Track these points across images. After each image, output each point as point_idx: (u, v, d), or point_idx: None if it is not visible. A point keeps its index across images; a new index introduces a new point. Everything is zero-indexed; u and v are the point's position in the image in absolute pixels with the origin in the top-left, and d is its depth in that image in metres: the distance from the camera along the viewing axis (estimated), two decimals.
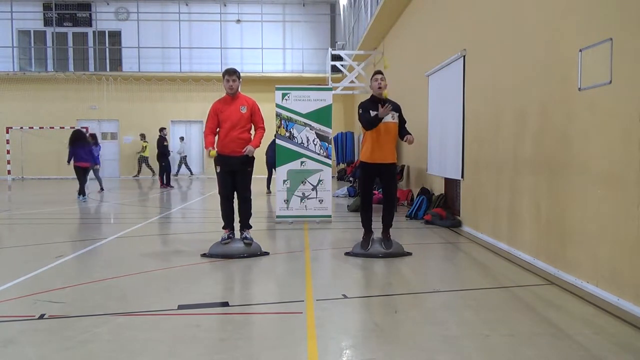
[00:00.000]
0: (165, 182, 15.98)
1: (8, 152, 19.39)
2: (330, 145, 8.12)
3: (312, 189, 8.07)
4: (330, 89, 8.43)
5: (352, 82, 15.94)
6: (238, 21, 22.37)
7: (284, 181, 8.05)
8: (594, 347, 2.98)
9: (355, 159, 17.58)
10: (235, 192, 5.66)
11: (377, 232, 5.66)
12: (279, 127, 8.08)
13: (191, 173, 21.34)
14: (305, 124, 8.03)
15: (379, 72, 5.54)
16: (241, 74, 5.71)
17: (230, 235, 5.60)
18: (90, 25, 22.02)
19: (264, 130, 5.68)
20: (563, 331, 3.23)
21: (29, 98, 20.84)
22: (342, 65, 16.57)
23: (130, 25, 21.90)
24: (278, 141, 8.11)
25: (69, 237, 7.26)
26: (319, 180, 8.08)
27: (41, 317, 3.49)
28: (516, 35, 5.58)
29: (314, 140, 8.05)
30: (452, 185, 8.22)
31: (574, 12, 4.39)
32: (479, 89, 6.80)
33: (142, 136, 20.42)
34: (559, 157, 4.57)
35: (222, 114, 5.47)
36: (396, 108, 5.52)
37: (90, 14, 21.99)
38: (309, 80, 19.96)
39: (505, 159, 5.84)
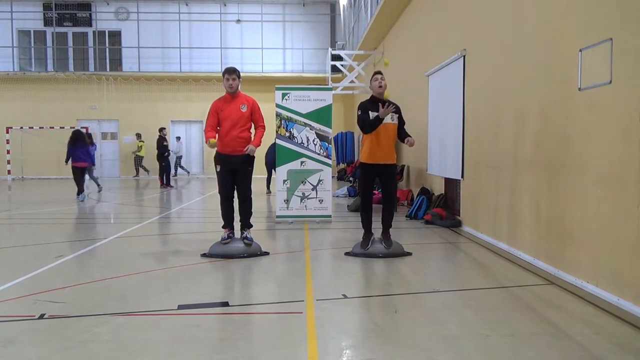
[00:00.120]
0: (165, 182, 15.99)
1: (8, 152, 19.39)
2: (330, 145, 8.12)
3: (312, 189, 8.07)
4: (330, 89, 8.43)
5: (352, 82, 15.94)
6: (238, 21, 22.37)
7: (284, 181, 8.05)
8: (594, 347, 2.98)
9: (355, 159, 17.58)
10: (235, 192, 5.66)
11: (377, 232, 5.66)
12: (279, 127, 8.08)
13: (188, 173, 21.36)
14: (305, 124, 8.03)
15: (379, 72, 5.55)
16: (241, 74, 5.71)
17: (230, 235, 5.60)
18: (90, 25, 22.02)
19: (265, 128, 5.68)
20: (563, 331, 3.23)
21: (29, 98, 20.85)
22: (342, 65, 16.57)
23: (130, 25, 21.90)
24: (278, 141, 8.11)
25: (69, 237, 7.26)
26: (319, 180, 8.08)
27: (41, 317, 3.49)
28: (516, 35, 5.58)
29: (314, 140, 8.05)
30: (452, 185, 8.22)
31: (574, 12, 4.39)
32: (479, 89, 6.80)
33: (138, 136, 20.52)
34: (559, 157, 4.57)
35: (222, 113, 5.47)
36: (396, 109, 5.52)
37: (90, 14, 21.99)
38: (309, 80, 19.96)
39: (505, 158, 5.84)
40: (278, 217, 8.09)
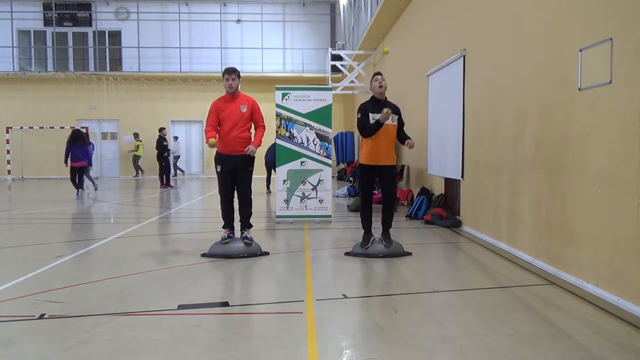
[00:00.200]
0: (165, 182, 16.00)
1: (8, 152, 19.38)
2: (330, 145, 8.12)
3: (312, 189, 8.07)
4: (330, 89, 8.43)
5: (352, 82, 15.92)
6: (238, 21, 22.37)
7: (284, 181, 8.05)
8: (594, 347, 2.98)
9: (355, 159, 17.58)
10: (235, 192, 5.66)
11: (377, 232, 5.66)
12: (279, 127, 8.08)
13: (183, 173, 21.37)
14: (305, 124, 8.03)
15: (379, 73, 5.55)
16: (241, 74, 5.71)
17: (230, 235, 5.60)
18: (90, 25, 22.02)
19: (265, 128, 5.69)
20: (563, 331, 3.23)
21: (29, 98, 20.85)
22: (342, 65, 16.56)
23: (130, 25, 21.90)
24: (278, 141, 8.11)
25: (69, 237, 7.26)
26: (319, 180, 8.08)
27: (41, 317, 3.49)
28: (516, 35, 5.58)
29: (314, 140, 8.05)
30: (452, 185, 8.22)
31: (574, 12, 4.39)
32: (479, 89, 6.80)
33: (136, 135, 20.55)
34: (559, 157, 4.57)
35: (222, 113, 5.47)
36: (396, 110, 5.52)
37: (90, 14, 21.99)
38: (309, 80, 19.96)
39: (505, 158, 5.84)
40: (278, 217, 8.09)
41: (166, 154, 15.85)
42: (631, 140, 3.56)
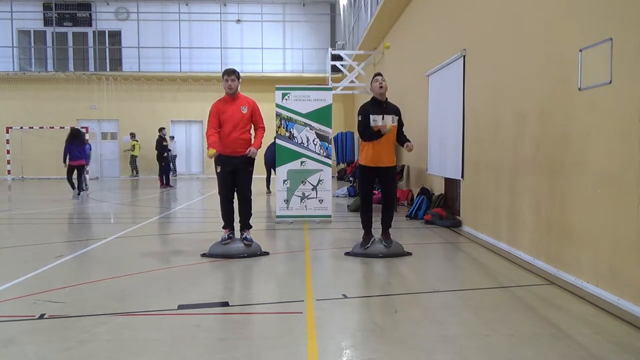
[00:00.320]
0: (164, 182, 16.00)
1: (8, 152, 19.38)
2: (330, 145, 8.12)
3: (312, 189, 8.07)
4: (330, 89, 8.43)
5: (352, 82, 15.94)
6: (238, 21, 22.37)
7: (284, 181, 8.05)
8: (594, 347, 2.98)
9: (355, 159, 17.58)
10: (235, 192, 5.66)
11: (377, 233, 5.66)
12: (279, 127, 8.08)
13: (175, 173, 21.40)
14: (305, 124, 8.03)
15: (379, 74, 5.55)
16: (241, 74, 5.71)
17: (230, 235, 5.60)
18: (90, 25, 22.02)
19: (264, 129, 5.69)
20: (563, 331, 3.23)
21: (29, 98, 20.85)
22: (342, 65, 16.57)
23: (130, 25, 21.90)
24: (278, 141, 8.11)
25: (69, 237, 7.27)
26: (319, 180, 8.08)
27: (41, 317, 3.49)
28: (516, 35, 5.58)
29: (314, 140, 8.05)
30: (452, 185, 8.22)
31: (574, 12, 4.39)
32: (479, 89, 6.81)
33: (132, 135, 20.57)
34: (559, 157, 4.57)
35: (223, 115, 5.46)
36: (396, 111, 5.51)
37: (90, 14, 21.99)
38: (309, 80, 19.96)
39: (505, 158, 5.84)
40: (278, 217, 8.09)
41: (166, 154, 15.85)
42: (631, 140, 3.56)
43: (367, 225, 5.64)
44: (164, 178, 15.98)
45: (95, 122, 21.32)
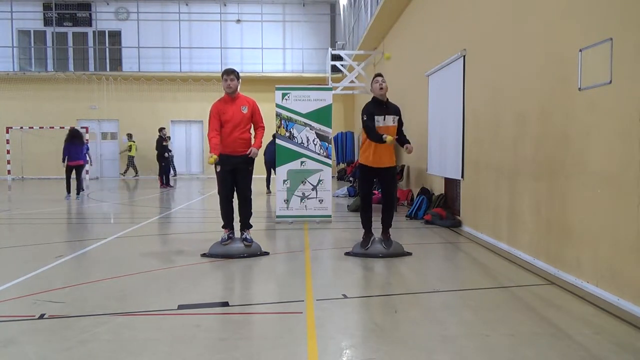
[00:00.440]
0: (164, 182, 16.01)
1: (8, 152, 19.37)
2: (330, 145, 8.12)
3: (312, 189, 8.07)
4: (330, 89, 8.43)
5: (352, 82, 15.93)
6: (238, 21, 22.36)
7: (284, 181, 8.05)
8: (594, 347, 2.98)
9: (355, 159, 17.58)
10: (235, 192, 5.66)
11: (377, 232, 5.66)
12: (279, 127, 8.08)
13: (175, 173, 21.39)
14: (305, 124, 8.03)
15: (380, 75, 5.53)
16: (241, 74, 5.71)
17: (230, 235, 5.60)
18: (90, 25, 22.01)
19: (264, 129, 5.70)
20: (563, 331, 3.23)
21: (29, 98, 20.84)
22: (342, 65, 16.56)
23: (130, 25, 21.90)
24: (278, 141, 8.11)
25: (69, 237, 7.27)
26: (319, 180, 8.08)
27: (41, 317, 3.49)
28: (516, 35, 5.58)
29: (314, 140, 8.05)
30: (452, 185, 8.22)
31: (574, 12, 4.39)
32: (479, 89, 6.81)
33: (129, 136, 20.61)
34: (559, 157, 4.57)
35: (224, 115, 5.46)
36: (396, 111, 5.51)
37: (90, 14, 21.98)
38: (309, 80, 19.95)
39: (505, 158, 5.84)
40: (278, 217, 8.09)
41: (167, 154, 15.85)
42: (631, 140, 3.56)
43: (366, 224, 5.64)
44: (163, 178, 15.98)
45: (95, 122, 21.32)
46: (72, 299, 3.95)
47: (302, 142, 8.03)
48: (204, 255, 5.50)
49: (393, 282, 4.64)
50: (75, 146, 11.81)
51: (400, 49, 12.41)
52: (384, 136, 5.10)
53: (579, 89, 4.23)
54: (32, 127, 19.74)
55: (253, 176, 5.78)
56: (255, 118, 5.64)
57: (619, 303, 3.68)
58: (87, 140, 16.03)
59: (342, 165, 19.50)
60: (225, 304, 3.85)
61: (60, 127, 19.22)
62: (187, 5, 22.12)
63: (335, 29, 22.84)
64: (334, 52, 16.42)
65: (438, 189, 8.76)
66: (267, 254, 5.63)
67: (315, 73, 21.22)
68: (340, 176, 19.06)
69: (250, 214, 5.74)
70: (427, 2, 9.54)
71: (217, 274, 4.91)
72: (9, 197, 13.47)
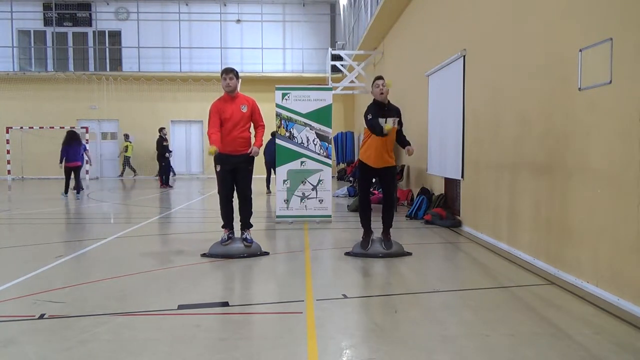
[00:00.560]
0: (164, 182, 16.01)
1: (8, 152, 19.38)
2: (330, 145, 8.12)
3: (312, 189, 8.07)
4: (330, 89, 8.43)
5: (352, 82, 15.95)
6: (238, 21, 22.36)
7: (284, 181, 8.05)
8: (594, 347, 2.98)
9: (355, 159, 17.58)
10: (235, 192, 5.66)
11: (377, 232, 5.66)
12: (279, 127, 8.08)
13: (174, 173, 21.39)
14: (305, 124, 8.03)
15: (380, 77, 5.46)
16: (241, 74, 5.71)
17: (230, 235, 5.60)
18: (90, 25, 22.01)
19: (265, 127, 5.71)
20: (563, 331, 3.23)
21: (29, 98, 20.85)
22: (342, 65, 16.58)
23: (130, 25, 21.90)
24: (278, 141, 8.11)
25: (69, 237, 7.27)
26: (319, 180, 8.08)
27: (41, 317, 3.49)
28: (516, 35, 5.58)
29: (314, 140, 8.05)
30: (452, 185, 8.22)
31: (574, 12, 4.39)
32: (479, 89, 6.81)
33: (126, 136, 20.66)
34: (559, 156, 4.57)
35: (224, 114, 5.47)
36: (397, 113, 5.49)
37: (90, 14, 21.98)
38: (309, 80, 19.96)
39: (505, 158, 5.84)
40: (278, 217, 8.09)
41: (167, 154, 15.86)
42: (631, 140, 3.56)
43: (366, 223, 5.64)
44: (163, 178, 15.99)
45: (95, 122, 21.33)
46: (72, 299, 3.95)
47: (302, 142, 8.03)
48: (204, 255, 5.50)
49: (393, 282, 4.64)
50: (73, 147, 11.94)
51: (400, 49, 12.41)
52: (384, 129, 5.07)
53: (579, 89, 4.23)
54: (32, 127, 19.75)
55: (253, 176, 5.78)
56: (255, 117, 5.64)
57: (619, 303, 3.68)
58: (87, 140, 16.16)
59: (342, 165, 19.50)
60: (225, 304, 3.85)
61: (60, 127, 19.23)
62: (187, 5, 22.12)
63: (335, 29, 22.85)
64: (334, 52, 16.43)
65: (438, 189, 8.76)
66: (267, 254, 5.63)
67: (315, 73, 21.23)
68: (340, 176, 19.06)
69: (251, 213, 5.74)
70: (427, 2, 9.54)
71: (217, 274, 4.91)
72: (9, 197, 13.47)
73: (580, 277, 4.22)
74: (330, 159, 8.17)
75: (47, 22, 21.74)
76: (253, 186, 5.82)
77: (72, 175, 12.07)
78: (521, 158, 5.39)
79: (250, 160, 5.59)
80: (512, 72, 5.69)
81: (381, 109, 5.42)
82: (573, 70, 4.32)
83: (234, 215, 5.71)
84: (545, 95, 4.86)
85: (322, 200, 8.09)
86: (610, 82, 3.81)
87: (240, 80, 5.60)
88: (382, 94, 5.37)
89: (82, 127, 19.43)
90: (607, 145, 3.86)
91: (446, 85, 8.21)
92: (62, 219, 9.04)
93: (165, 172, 16.07)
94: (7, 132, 19.41)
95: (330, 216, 8.13)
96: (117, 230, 7.35)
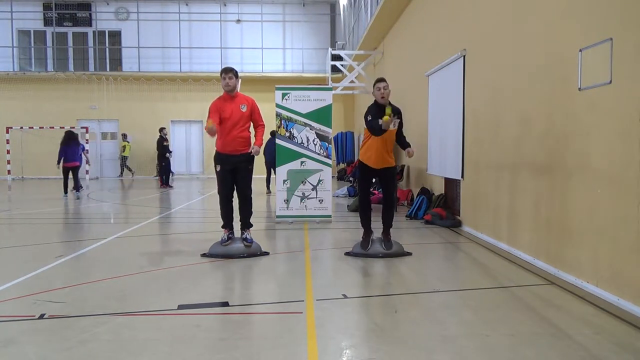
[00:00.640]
0: (164, 182, 16.01)
1: (8, 152, 19.38)
2: (330, 145, 8.12)
3: (312, 189, 8.07)
4: (330, 89, 8.43)
5: (352, 82, 15.95)
6: (238, 21, 22.37)
7: (284, 181, 8.05)
8: (594, 347, 2.98)
9: (355, 159, 17.58)
10: (234, 192, 5.67)
11: (377, 232, 5.66)
12: (279, 127, 8.08)
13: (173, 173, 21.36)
14: (305, 124, 8.03)
15: (382, 80, 5.39)
16: (241, 74, 5.71)
17: (230, 236, 5.60)
18: (90, 25, 22.02)
19: (264, 127, 5.71)
20: (563, 331, 3.23)
21: (29, 98, 20.85)
22: (342, 65, 16.58)
23: (130, 25, 21.90)
24: (278, 141, 8.11)
25: (69, 237, 7.27)
26: (319, 180, 8.08)
27: (41, 317, 3.49)
28: (516, 35, 5.58)
29: (314, 140, 8.05)
30: (452, 185, 8.22)
31: (574, 12, 4.39)
32: (479, 89, 6.81)
33: (124, 136, 20.67)
34: (559, 157, 4.57)
35: (223, 112, 5.47)
36: (398, 113, 5.47)
37: (90, 14, 21.98)
38: (309, 80, 19.96)
39: (505, 158, 5.84)
40: (278, 217, 8.09)
41: (168, 154, 15.86)
42: (631, 140, 3.56)
43: (366, 223, 5.64)
44: (163, 178, 15.99)
45: (95, 122, 21.33)
46: (72, 299, 3.95)
47: (302, 142, 8.03)
48: (204, 255, 5.50)
49: (393, 282, 4.64)
50: (71, 148, 11.99)
51: (400, 49, 12.41)
52: (380, 123, 5.02)
53: (579, 89, 4.23)
54: (32, 127, 19.75)
55: (253, 176, 5.78)
56: (254, 117, 5.64)
57: (619, 303, 3.68)
58: (87, 140, 16.18)
59: (342, 165, 19.50)
60: (225, 304, 3.85)
61: (60, 127, 19.19)
62: (187, 5, 22.12)
63: (335, 29, 22.85)
64: (334, 52, 16.43)
65: (438, 189, 8.76)
66: (267, 254, 5.63)
67: (315, 73, 21.23)
68: (340, 176, 19.06)
69: (251, 213, 5.74)
70: (427, 2, 9.54)
71: (217, 274, 4.91)
72: (9, 197, 13.47)
73: (580, 277, 4.22)
74: (330, 159, 8.17)
75: (47, 22, 21.75)
76: (253, 186, 5.82)
77: (71, 175, 12.11)
78: (521, 158, 5.39)
79: (250, 159, 5.59)
80: (512, 72, 5.69)
81: (382, 110, 5.41)
82: (573, 70, 4.32)
83: (234, 215, 5.71)
84: (545, 95, 4.86)
85: (322, 200, 8.09)
86: (610, 82, 3.81)
87: (240, 80, 5.60)
88: (383, 98, 5.34)
89: (82, 127, 19.42)
90: (607, 145, 3.86)
91: (446, 85, 8.21)
92: (62, 219, 9.04)
93: (165, 172, 16.07)
94: (7, 132, 19.41)
95: (330, 216, 8.13)
96: (117, 230, 7.35)
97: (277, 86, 8.22)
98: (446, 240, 6.62)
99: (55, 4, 21.33)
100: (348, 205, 10.04)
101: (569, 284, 4.29)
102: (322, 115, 8.04)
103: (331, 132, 8.15)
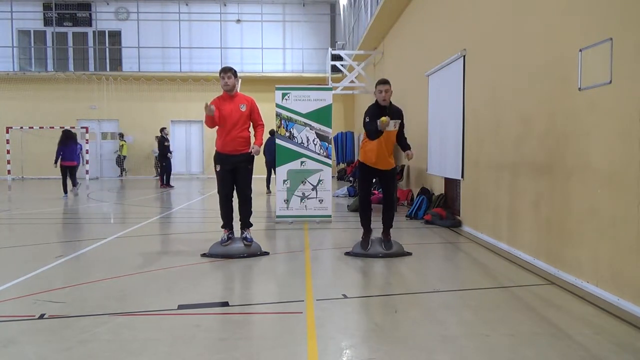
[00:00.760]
0: (165, 182, 16.02)
1: (8, 152, 19.35)
2: (330, 145, 8.12)
3: (312, 189, 8.07)
4: (330, 89, 8.43)
5: (352, 82, 15.95)
6: (238, 21, 22.37)
7: (284, 181, 8.05)
8: (594, 347, 2.98)
9: (355, 159, 17.57)
10: (234, 191, 5.66)
11: (377, 232, 5.66)
12: (279, 127, 8.08)
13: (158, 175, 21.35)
14: (305, 124, 8.03)
15: (384, 82, 5.33)
16: (241, 74, 5.72)
17: (230, 236, 5.60)
18: (90, 25, 22.02)
19: (264, 126, 5.72)
20: (563, 331, 3.23)
21: (29, 98, 20.85)
22: (342, 65, 16.58)
23: (130, 25, 21.90)
24: (278, 141, 8.11)
25: (68, 237, 7.26)
26: (319, 180, 8.08)
27: (41, 317, 3.49)
28: (516, 35, 5.58)
29: (314, 140, 8.05)
30: (452, 185, 8.22)
31: (574, 12, 4.39)
32: (479, 89, 6.81)
33: (121, 135, 20.67)
34: (559, 157, 4.57)
35: (223, 111, 5.47)
36: (398, 114, 5.46)
37: (90, 14, 21.99)
38: (309, 80, 19.96)
39: (505, 158, 5.84)
40: (278, 217, 8.09)
41: (169, 154, 15.86)
42: (631, 140, 3.56)
43: (366, 223, 5.64)
44: (164, 178, 16.00)
45: (95, 122, 21.33)
46: (72, 299, 3.94)
47: (302, 142, 8.03)
48: (204, 255, 5.50)
49: (393, 282, 4.64)
50: (69, 147, 12.03)
51: (400, 49, 12.41)
52: (378, 123, 4.98)
53: (579, 89, 4.23)
54: (32, 127, 19.71)
55: (253, 176, 5.78)
56: (254, 116, 5.64)
57: (619, 303, 3.68)
58: (87, 140, 16.20)
59: (342, 165, 19.50)
60: (225, 304, 3.85)
61: (60, 127, 19.12)
62: (187, 5, 22.13)
63: (335, 29, 22.85)
64: (334, 52, 16.43)
65: (438, 189, 8.76)
66: (267, 254, 5.63)
67: (315, 73, 21.24)
68: (340, 176, 19.06)
69: (250, 213, 5.74)
70: (427, 2, 9.54)
71: (217, 274, 4.91)
72: (9, 197, 13.46)
73: (580, 277, 4.22)
74: (330, 159, 8.17)
75: (47, 22, 21.75)
76: (253, 186, 5.82)
77: (69, 175, 12.17)
78: (521, 158, 5.39)
79: (250, 159, 5.59)
80: (512, 72, 5.69)
81: (382, 111, 5.40)
82: (573, 70, 4.32)
83: (234, 215, 5.71)
84: (545, 95, 4.86)
85: (322, 200, 8.09)
86: (610, 82, 3.81)
87: (239, 79, 5.60)
88: (384, 100, 5.32)
89: (82, 127, 19.38)
90: (607, 145, 3.86)
91: (446, 85, 8.21)
92: (62, 219, 9.04)
93: (166, 172, 16.07)
94: (7, 132, 19.38)
95: (330, 216, 8.13)
96: (117, 230, 7.35)
97: (277, 86, 8.23)
98: (446, 240, 6.62)
99: (55, 4, 21.33)
100: (348, 205, 10.04)
101: (569, 284, 4.29)
102: (322, 115, 8.05)
103: (331, 132, 8.15)
